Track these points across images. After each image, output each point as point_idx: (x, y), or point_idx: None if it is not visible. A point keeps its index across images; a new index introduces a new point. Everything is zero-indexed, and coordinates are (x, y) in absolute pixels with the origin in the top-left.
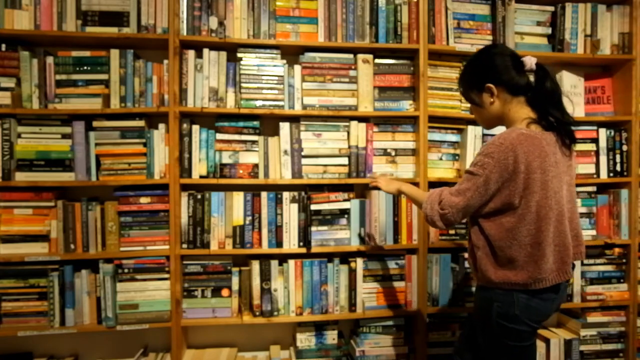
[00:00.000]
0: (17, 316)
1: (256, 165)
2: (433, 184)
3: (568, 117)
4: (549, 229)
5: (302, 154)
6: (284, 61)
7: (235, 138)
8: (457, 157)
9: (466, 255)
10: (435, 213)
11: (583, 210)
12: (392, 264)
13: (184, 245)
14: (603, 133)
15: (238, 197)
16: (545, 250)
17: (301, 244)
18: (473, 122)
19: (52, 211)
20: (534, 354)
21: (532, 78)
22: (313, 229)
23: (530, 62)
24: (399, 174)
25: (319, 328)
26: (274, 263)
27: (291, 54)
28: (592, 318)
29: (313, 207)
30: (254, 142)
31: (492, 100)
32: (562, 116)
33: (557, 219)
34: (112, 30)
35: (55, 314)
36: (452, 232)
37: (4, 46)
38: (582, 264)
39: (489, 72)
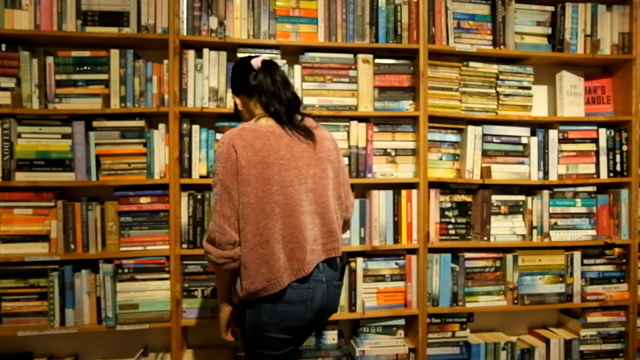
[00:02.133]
0: (17, 316)
1: None
2: (433, 184)
3: (279, 108)
4: (276, 225)
5: None
6: (284, 61)
7: None
8: (457, 157)
9: (467, 255)
10: (207, 247)
11: (583, 210)
12: (392, 264)
13: (184, 245)
14: (603, 133)
15: None
16: (275, 248)
17: None
18: (473, 122)
19: (52, 211)
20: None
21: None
22: None
23: (256, 62)
24: (398, 174)
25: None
26: None
27: (291, 54)
28: (592, 318)
29: None
30: None
31: (241, 108)
32: (278, 107)
33: (288, 214)
34: (112, 30)
35: (55, 314)
36: (452, 232)
37: (4, 46)
38: (582, 264)
39: (231, 85)
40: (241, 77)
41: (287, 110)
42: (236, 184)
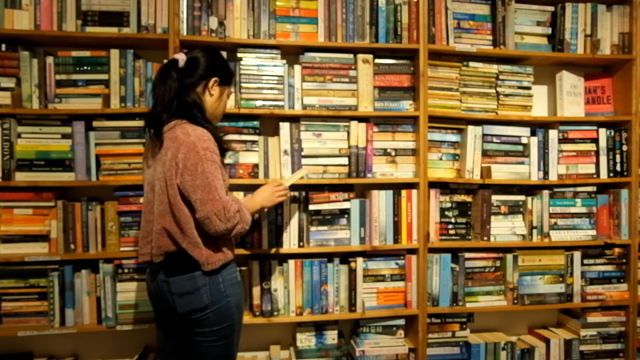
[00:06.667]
0: (17, 316)
1: (256, 165)
2: (433, 184)
3: (152, 112)
4: (144, 217)
5: (302, 154)
6: (284, 61)
7: (235, 138)
8: (457, 157)
9: (467, 255)
10: None
11: (583, 210)
12: (392, 264)
13: None
14: (603, 133)
15: (238, 197)
16: (140, 234)
17: (301, 244)
18: (473, 122)
19: (52, 211)
20: (160, 339)
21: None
22: (313, 228)
23: (180, 58)
24: (399, 174)
25: (319, 328)
26: (274, 263)
27: (291, 54)
28: (592, 318)
29: (313, 207)
30: (254, 142)
31: None
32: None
33: (147, 209)
34: (112, 30)
35: (55, 314)
36: (452, 232)
37: (4, 46)
38: (582, 264)
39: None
40: None
41: (152, 113)
42: None
